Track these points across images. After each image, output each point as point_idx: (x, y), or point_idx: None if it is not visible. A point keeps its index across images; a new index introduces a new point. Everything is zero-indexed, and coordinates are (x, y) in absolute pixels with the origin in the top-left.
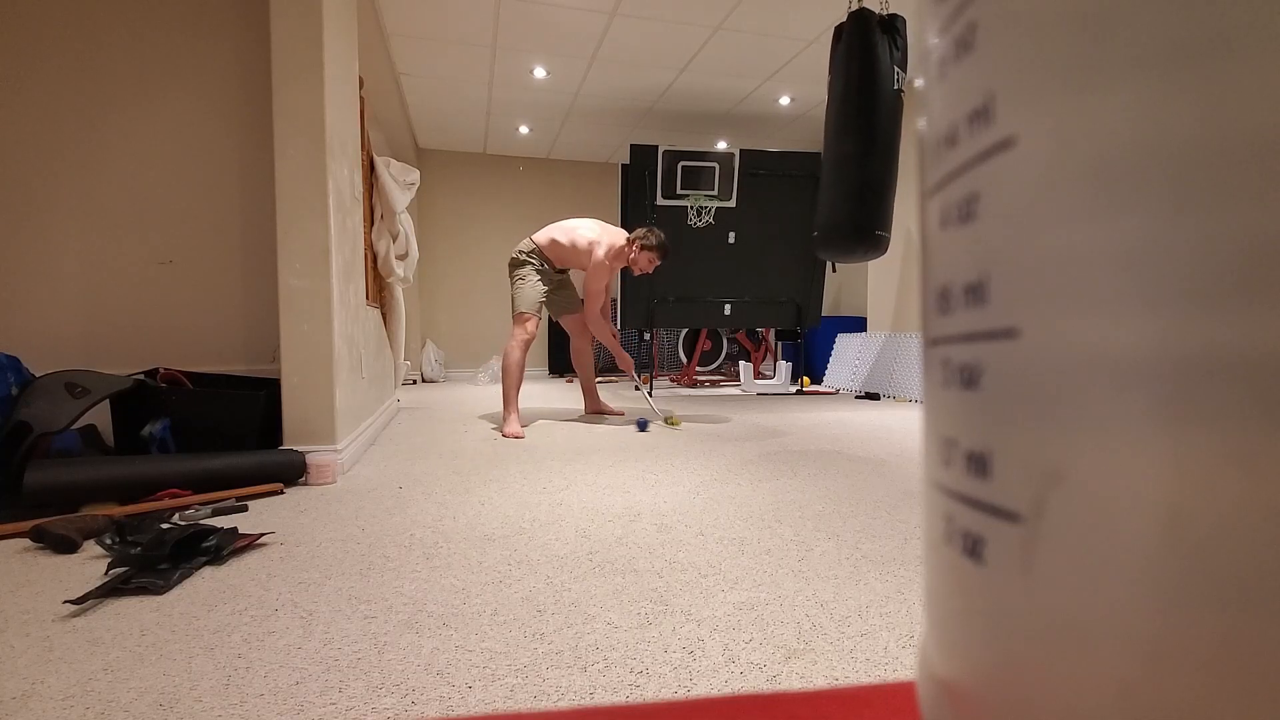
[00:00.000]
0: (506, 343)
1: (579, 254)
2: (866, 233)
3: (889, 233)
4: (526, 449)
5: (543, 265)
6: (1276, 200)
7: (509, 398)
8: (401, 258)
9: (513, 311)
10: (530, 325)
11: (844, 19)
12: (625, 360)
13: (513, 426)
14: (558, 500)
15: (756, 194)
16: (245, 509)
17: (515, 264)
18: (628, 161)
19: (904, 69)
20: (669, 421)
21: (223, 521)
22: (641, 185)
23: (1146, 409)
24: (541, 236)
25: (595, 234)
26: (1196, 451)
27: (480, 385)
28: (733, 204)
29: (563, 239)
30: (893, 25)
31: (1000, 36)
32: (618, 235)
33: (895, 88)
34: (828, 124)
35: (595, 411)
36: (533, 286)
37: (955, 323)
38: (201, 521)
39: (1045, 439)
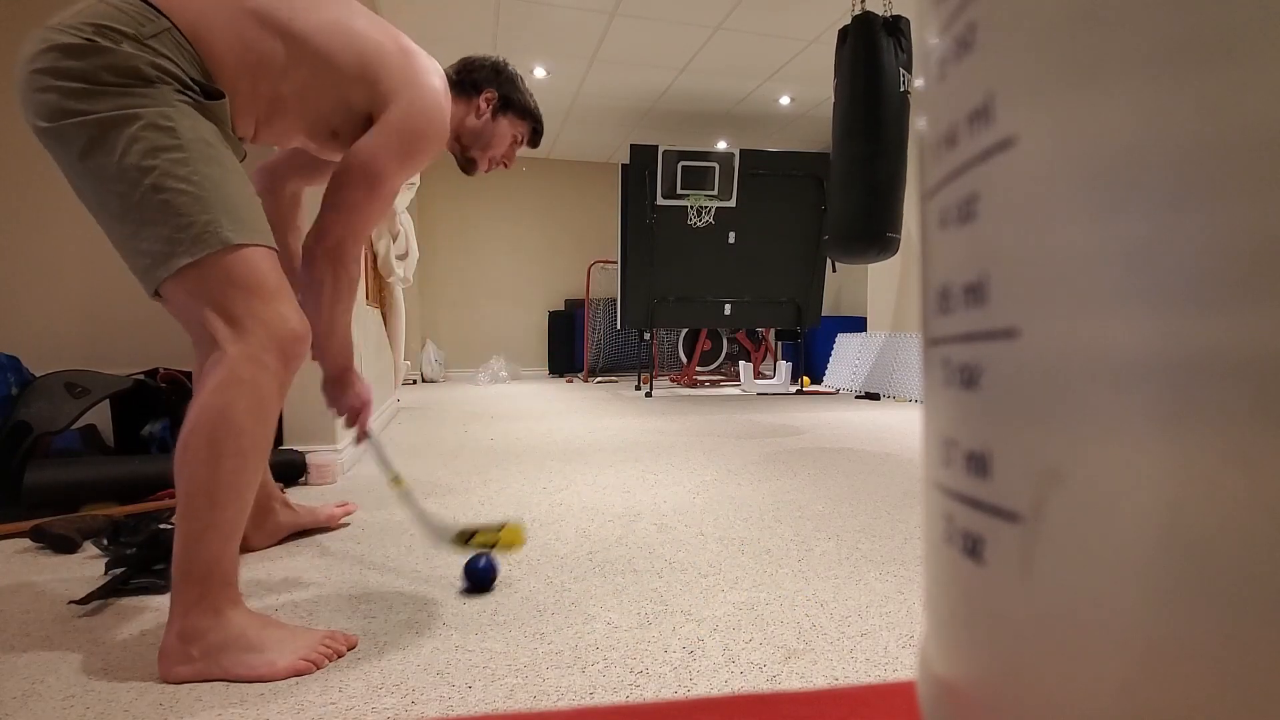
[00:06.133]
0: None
1: (301, 71)
2: (878, 235)
3: (899, 234)
4: (527, 448)
5: (198, 95)
6: (1276, 200)
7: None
8: (401, 258)
9: (175, 260)
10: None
11: (846, 20)
12: (352, 395)
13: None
14: (558, 500)
15: (756, 194)
16: None
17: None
18: (628, 161)
19: (909, 70)
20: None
21: None
22: (641, 185)
23: (1146, 409)
24: None
25: (380, 31)
26: (1196, 451)
27: (480, 385)
28: (733, 204)
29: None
30: (897, 27)
31: (1000, 36)
32: (423, 65)
33: (901, 89)
34: (835, 128)
35: (294, 527)
36: (205, 165)
37: (955, 323)
38: None
39: (1045, 439)
